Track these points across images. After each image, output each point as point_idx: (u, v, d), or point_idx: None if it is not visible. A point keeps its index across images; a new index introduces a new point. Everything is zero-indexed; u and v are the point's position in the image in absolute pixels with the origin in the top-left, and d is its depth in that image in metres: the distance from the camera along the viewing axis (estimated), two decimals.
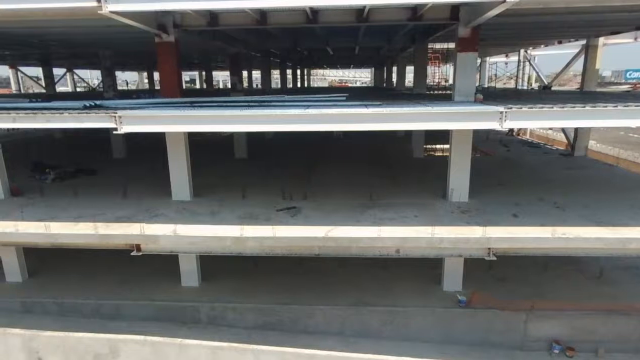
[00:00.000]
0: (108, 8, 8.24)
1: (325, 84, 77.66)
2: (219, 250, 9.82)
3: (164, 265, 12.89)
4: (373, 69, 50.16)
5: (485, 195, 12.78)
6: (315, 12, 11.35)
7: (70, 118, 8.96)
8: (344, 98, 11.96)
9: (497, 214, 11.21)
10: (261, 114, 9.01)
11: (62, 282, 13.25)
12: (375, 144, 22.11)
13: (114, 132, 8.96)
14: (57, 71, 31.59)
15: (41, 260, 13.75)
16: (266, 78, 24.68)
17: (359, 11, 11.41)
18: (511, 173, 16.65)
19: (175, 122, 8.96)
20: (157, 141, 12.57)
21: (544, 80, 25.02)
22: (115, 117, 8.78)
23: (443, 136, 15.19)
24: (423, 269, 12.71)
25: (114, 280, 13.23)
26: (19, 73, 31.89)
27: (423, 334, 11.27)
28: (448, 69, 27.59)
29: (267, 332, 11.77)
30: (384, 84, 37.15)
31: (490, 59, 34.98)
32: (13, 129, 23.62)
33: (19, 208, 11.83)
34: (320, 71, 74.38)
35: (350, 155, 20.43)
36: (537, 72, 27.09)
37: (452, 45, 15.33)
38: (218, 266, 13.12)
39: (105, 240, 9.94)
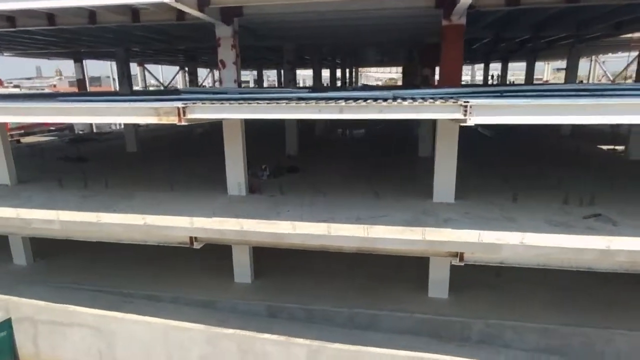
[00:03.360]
0: None
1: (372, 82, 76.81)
2: (571, 264, 8.36)
3: (397, 272, 11.99)
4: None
5: None
6: None
7: (409, 108, 7.82)
8: None
9: None
10: None
11: (289, 287, 12.50)
12: None
13: (461, 124, 7.69)
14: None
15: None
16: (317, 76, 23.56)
17: None
18: None
19: (532, 113, 7.56)
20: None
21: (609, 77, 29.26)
22: (466, 106, 7.51)
23: None
24: None
25: (349, 286, 12.28)
26: (145, 71, 32.93)
27: None
28: None
29: (550, 357, 10.24)
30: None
31: None
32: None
33: (274, 207, 11.09)
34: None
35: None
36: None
37: None
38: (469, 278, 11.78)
39: (432, 248, 8.74)
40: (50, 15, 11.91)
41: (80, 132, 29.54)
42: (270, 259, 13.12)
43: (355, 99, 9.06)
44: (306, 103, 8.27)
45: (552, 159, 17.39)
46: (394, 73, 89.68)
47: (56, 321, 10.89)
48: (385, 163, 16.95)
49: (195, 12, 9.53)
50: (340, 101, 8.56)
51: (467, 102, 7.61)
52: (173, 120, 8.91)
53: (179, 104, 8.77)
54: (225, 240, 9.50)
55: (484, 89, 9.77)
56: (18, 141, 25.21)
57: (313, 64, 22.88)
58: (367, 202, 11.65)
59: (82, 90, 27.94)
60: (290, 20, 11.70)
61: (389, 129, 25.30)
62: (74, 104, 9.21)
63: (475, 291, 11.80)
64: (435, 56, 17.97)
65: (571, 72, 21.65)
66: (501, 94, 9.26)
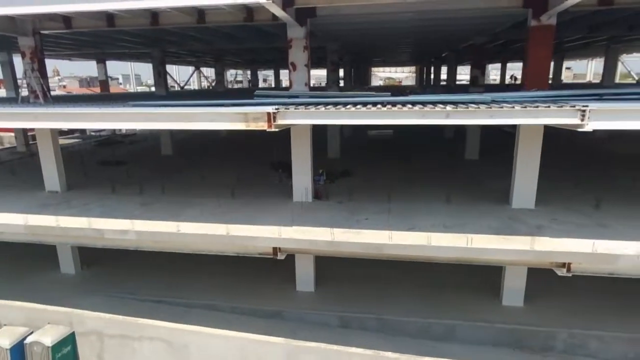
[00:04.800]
0: None
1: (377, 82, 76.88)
2: None
3: (460, 278, 11.82)
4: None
5: None
6: None
7: (522, 113, 7.48)
8: None
9: None
10: None
11: (352, 295, 12.11)
12: None
13: (578, 129, 7.36)
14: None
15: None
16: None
17: None
18: None
19: None
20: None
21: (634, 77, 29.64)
22: (584, 111, 7.18)
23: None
24: None
25: (414, 294, 11.93)
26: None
27: None
28: None
29: None
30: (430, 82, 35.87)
31: None
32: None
33: (351, 215, 10.68)
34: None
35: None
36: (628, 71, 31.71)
37: None
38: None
39: (538, 258, 8.37)
40: (110, 17, 11.48)
41: (97, 134, 28.96)
42: (327, 267, 12.80)
43: (443, 103, 8.73)
44: (409, 108, 7.90)
45: (606, 160, 17.08)
46: (393, 72, 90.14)
47: (125, 335, 10.45)
48: (434, 166, 16.62)
49: (280, 13, 9.14)
50: (437, 106, 8.21)
51: (586, 106, 7.29)
52: (262, 126, 8.51)
53: (270, 109, 8.37)
54: (313, 251, 9.13)
55: (582, 92, 9.43)
56: None
57: (345, 64, 22.50)
58: (441, 208, 11.28)
59: (104, 91, 27.44)
60: (362, 22, 11.32)
61: (416, 130, 25.03)
62: (158, 110, 8.78)
63: (549, 299, 11.47)
64: (485, 57, 17.76)
65: (609, 72, 21.45)
66: (600, 97, 8.94)
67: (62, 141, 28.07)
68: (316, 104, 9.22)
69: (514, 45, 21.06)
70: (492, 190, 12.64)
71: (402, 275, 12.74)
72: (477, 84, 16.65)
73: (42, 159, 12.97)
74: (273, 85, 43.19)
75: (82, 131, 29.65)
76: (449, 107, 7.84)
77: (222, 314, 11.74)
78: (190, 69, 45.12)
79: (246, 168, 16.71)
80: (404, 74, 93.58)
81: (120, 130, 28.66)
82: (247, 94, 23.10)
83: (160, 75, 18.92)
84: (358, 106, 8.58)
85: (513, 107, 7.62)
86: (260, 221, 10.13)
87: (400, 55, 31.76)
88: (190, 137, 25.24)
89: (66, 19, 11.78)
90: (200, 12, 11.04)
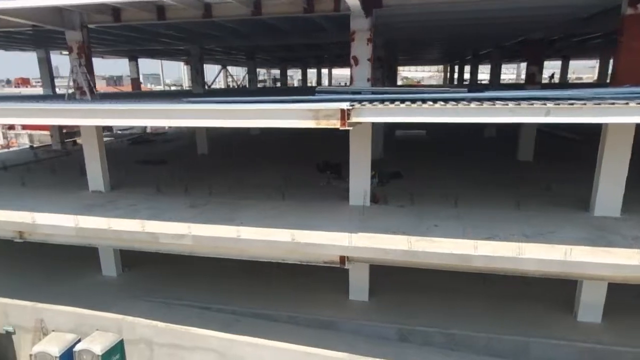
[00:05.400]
0: None
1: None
2: None
3: (524, 289, 10.93)
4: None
5: None
6: None
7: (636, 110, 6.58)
8: None
9: None
10: None
11: (409, 306, 11.31)
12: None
13: None
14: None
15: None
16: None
17: None
18: None
19: None
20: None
21: None
22: None
23: None
24: None
25: (474, 305, 11.10)
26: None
27: None
28: None
29: None
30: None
31: None
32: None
33: (419, 221, 9.89)
34: None
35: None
36: None
37: None
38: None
39: None
40: (160, 9, 10.96)
41: (129, 133, 28.77)
42: (379, 275, 12.03)
43: (535, 99, 7.89)
44: (503, 105, 7.10)
45: None
46: (411, 72, 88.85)
47: (176, 344, 9.90)
48: (486, 167, 15.69)
49: (352, 2, 8.44)
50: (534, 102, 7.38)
51: None
52: (334, 124, 7.81)
53: (344, 106, 7.66)
54: (388, 261, 8.37)
55: None
56: (74, 142, 24.48)
57: (387, 61, 21.67)
58: (512, 215, 10.35)
59: (136, 90, 27.23)
60: (428, 13, 10.54)
61: (451, 130, 24.09)
62: (220, 107, 8.17)
63: (629, 315, 10.49)
64: (543, 52, 16.75)
65: None
66: None
67: None
68: (390, 100, 8.48)
69: (572, 40, 19.92)
70: (564, 196, 11.66)
71: (461, 286, 11.90)
72: (534, 81, 15.67)
73: (86, 159, 12.54)
74: (298, 85, 42.53)
75: (110, 129, 29.64)
76: (549, 104, 6.99)
77: (273, 324, 11.09)
78: (215, 68, 45.03)
79: (288, 168, 16.09)
80: (425, 74, 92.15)
81: (147, 128, 28.46)
82: (285, 92, 22.59)
83: (198, 73, 18.44)
84: (440, 103, 7.80)
85: (627, 103, 6.74)
86: (320, 226, 9.42)
87: (433, 52, 30.78)
88: (220, 136, 24.83)
89: (115, 12, 11.31)
90: (256, 4, 10.41)
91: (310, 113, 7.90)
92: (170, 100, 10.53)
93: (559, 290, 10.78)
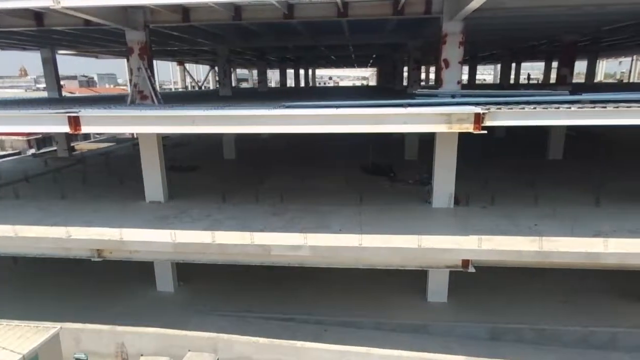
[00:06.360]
0: None
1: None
2: None
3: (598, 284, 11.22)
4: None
5: None
6: None
7: None
8: None
9: None
10: None
11: (487, 304, 11.52)
12: None
13: None
14: None
15: None
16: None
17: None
18: None
19: None
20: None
21: None
22: None
23: None
24: None
25: (549, 301, 11.49)
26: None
27: None
28: None
29: None
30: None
31: None
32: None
33: (513, 221, 10.03)
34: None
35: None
36: None
37: None
38: None
39: None
40: (237, 9, 10.42)
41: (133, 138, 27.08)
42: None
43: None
44: (625, 108, 7.38)
45: None
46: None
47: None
48: (525, 167, 16.07)
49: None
50: None
51: None
52: (467, 128, 7.78)
53: (478, 110, 7.65)
54: (517, 263, 8.43)
55: None
56: (73, 149, 22.74)
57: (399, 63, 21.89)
58: (596, 211, 10.66)
59: None
60: (517, 16, 10.71)
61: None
62: (331, 111, 7.88)
63: None
64: (575, 54, 17.49)
65: None
66: None
67: (90, 146, 26.24)
68: (512, 104, 8.50)
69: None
70: (629, 192, 12.23)
71: (530, 281, 12.23)
72: (565, 82, 16.37)
73: (144, 167, 11.71)
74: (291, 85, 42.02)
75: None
76: None
77: (363, 332, 10.89)
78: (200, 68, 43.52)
79: (333, 171, 15.83)
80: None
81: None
82: (307, 94, 21.98)
83: (226, 75, 17.70)
84: (566, 105, 7.96)
85: None
86: (426, 230, 9.33)
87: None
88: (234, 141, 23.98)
89: (185, 11, 10.63)
90: (343, 5, 10.14)
91: (442, 117, 7.81)
92: (268, 105, 10.02)
93: (633, 282, 11.27)
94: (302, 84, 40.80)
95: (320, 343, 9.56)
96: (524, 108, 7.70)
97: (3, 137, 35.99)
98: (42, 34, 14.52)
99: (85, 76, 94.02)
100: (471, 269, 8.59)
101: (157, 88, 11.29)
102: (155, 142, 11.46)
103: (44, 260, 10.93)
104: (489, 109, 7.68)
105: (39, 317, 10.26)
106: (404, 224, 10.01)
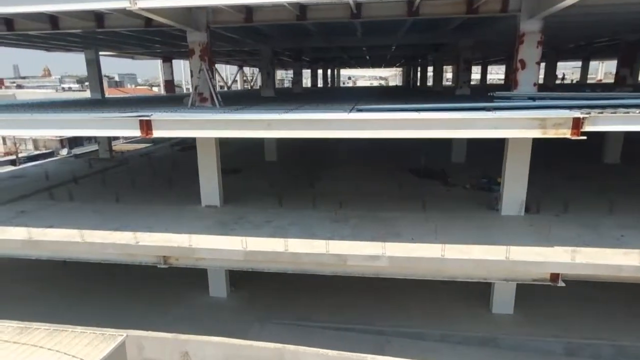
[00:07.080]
0: None
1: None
2: None
3: None
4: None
5: None
6: None
7: None
8: None
9: None
10: None
11: (556, 317, 10.97)
12: None
13: None
14: None
15: None
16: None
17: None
18: None
19: None
20: None
21: None
22: None
23: None
24: None
25: (620, 314, 10.88)
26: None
27: None
28: None
29: None
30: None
31: None
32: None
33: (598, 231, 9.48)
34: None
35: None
36: None
37: None
38: None
39: None
40: (302, 8, 10.10)
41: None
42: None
43: None
44: None
45: None
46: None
47: None
48: (578, 171, 15.41)
49: None
50: None
51: None
52: (564, 133, 7.29)
53: (577, 114, 7.15)
54: (613, 278, 7.91)
55: None
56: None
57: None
58: None
59: (170, 92, 25.80)
60: (602, 13, 10.17)
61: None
62: (434, 115, 7.48)
63: None
64: (636, 54, 16.75)
65: None
66: None
67: (126, 147, 26.33)
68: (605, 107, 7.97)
69: None
70: None
71: (596, 293, 11.64)
72: (625, 83, 15.66)
73: (202, 171, 11.48)
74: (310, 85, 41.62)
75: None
76: None
77: (429, 344, 10.47)
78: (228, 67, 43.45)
79: (381, 175, 15.43)
80: (389, 73, 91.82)
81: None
82: (334, 95, 21.68)
83: (269, 76, 17.43)
84: None
85: None
86: (503, 241, 8.84)
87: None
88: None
89: (248, 12, 10.36)
90: (411, 3, 9.73)
91: (535, 122, 7.34)
92: (336, 108, 9.68)
93: None
94: (325, 83, 40.55)
95: (390, 357, 9.15)
96: (628, 112, 7.16)
97: (37, 137, 36.61)
98: (93, 34, 14.47)
99: (107, 76, 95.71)
100: (560, 284, 8.07)
101: (217, 90, 11.01)
102: (214, 146, 11.22)
103: (89, 263, 10.85)
104: (589, 112, 7.17)
105: (97, 323, 10.20)
106: (477, 233, 9.54)
